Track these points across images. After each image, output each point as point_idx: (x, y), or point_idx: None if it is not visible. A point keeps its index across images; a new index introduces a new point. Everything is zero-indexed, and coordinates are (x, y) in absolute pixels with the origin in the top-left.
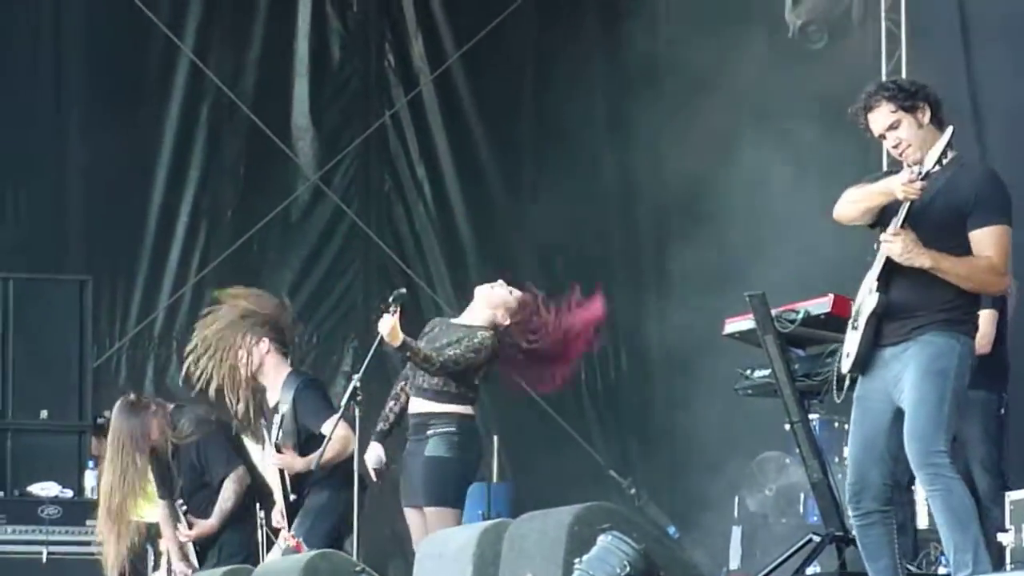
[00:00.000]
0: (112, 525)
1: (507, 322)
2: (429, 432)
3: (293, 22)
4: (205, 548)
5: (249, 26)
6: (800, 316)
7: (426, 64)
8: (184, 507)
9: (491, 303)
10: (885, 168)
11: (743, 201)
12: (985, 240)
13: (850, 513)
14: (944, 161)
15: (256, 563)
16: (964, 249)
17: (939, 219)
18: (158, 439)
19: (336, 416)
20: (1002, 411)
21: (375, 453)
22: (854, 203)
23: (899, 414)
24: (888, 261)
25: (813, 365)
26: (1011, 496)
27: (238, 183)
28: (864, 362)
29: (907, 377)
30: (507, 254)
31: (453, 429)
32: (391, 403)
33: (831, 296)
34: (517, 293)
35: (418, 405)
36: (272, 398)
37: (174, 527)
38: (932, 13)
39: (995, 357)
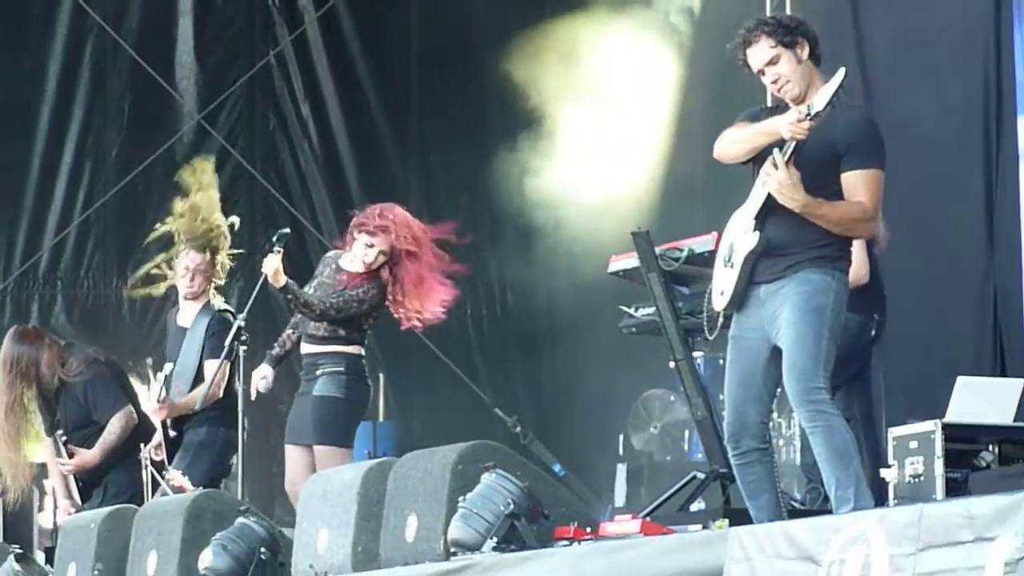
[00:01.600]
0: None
1: (387, 247)
2: (318, 372)
3: None
4: (90, 487)
5: None
6: (684, 254)
7: (310, 3)
8: (64, 438)
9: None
10: (769, 104)
11: (631, 136)
12: (858, 183)
13: (729, 452)
14: (835, 104)
15: (141, 502)
16: (835, 188)
17: (812, 157)
18: (46, 373)
19: (221, 357)
20: (873, 334)
21: (262, 373)
22: (737, 143)
23: (775, 352)
24: (767, 200)
25: (697, 303)
26: (894, 432)
27: (122, 123)
28: (740, 300)
29: (784, 316)
30: (393, 194)
31: (342, 369)
32: (289, 331)
33: (715, 234)
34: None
35: (308, 348)
36: (186, 318)
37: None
38: None
39: (866, 285)
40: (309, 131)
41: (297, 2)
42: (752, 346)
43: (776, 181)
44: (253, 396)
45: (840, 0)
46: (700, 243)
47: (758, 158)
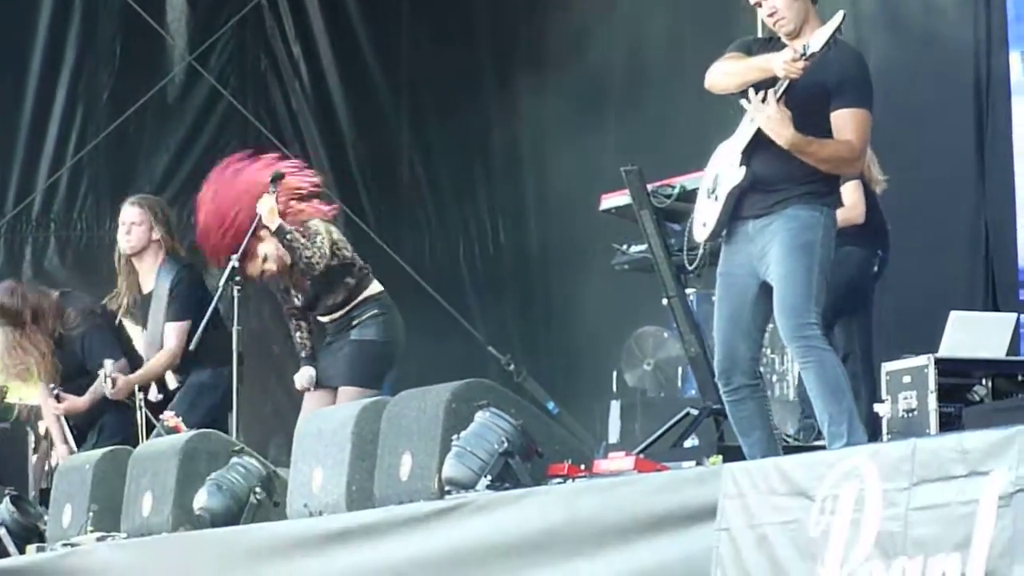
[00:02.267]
0: None
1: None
2: (354, 323)
3: None
4: (84, 430)
5: None
6: (676, 191)
7: None
8: (56, 391)
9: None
10: (761, 35)
11: (620, 77)
12: (847, 122)
13: (721, 389)
14: (832, 45)
15: (136, 444)
16: (825, 127)
17: (803, 95)
18: (43, 324)
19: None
20: (876, 269)
21: (307, 374)
22: (729, 75)
23: (765, 288)
24: (755, 135)
25: (689, 240)
26: (887, 367)
27: (114, 64)
28: (720, 233)
29: (772, 252)
30: (384, 131)
31: (376, 311)
32: (297, 334)
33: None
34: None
35: (335, 315)
36: (147, 282)
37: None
38: None
39: (870, 219)
40: (300, 71)
41: None
42: (740, 282)
43: (765, 116)
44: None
45: None
46: (692, 180)
47: (747, 92)
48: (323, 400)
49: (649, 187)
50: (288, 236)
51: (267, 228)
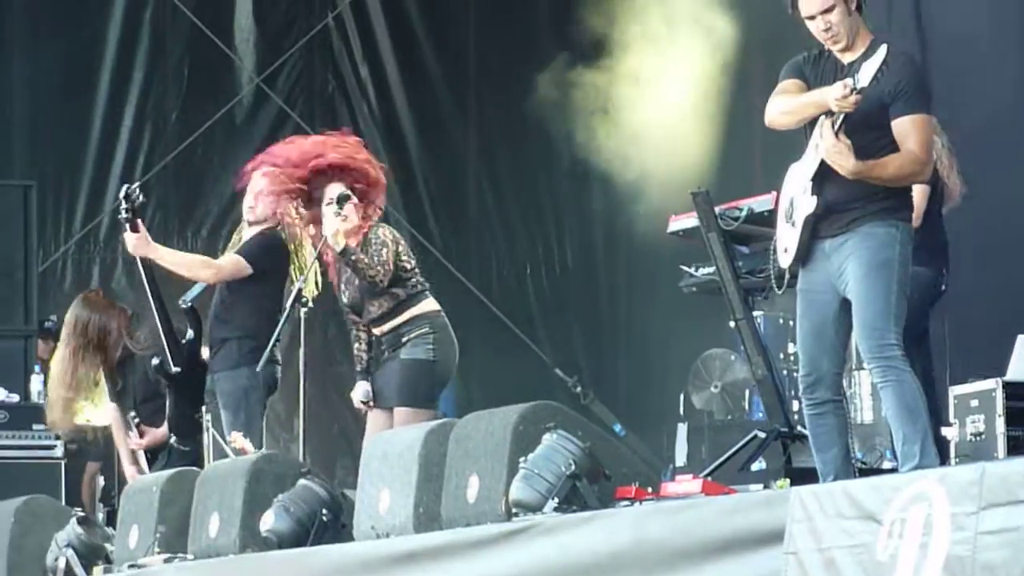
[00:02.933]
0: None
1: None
2: (404, 340)
3: None
4: (155, 451)
5: None
6: (744, 213)
7: None
8: (136, 419)
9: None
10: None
11: (687, 100)
12: (908, 129)
13: (804, 403)
14: (880, 77)
15: (203, 465)
16: (887, 139)
17: (862, 112)
18: (113, 341)
19: None
20: (943, 288)
21: (362, 389)
22: (787, 115)
23: (845, 304)
24: (822, 161)
25: (757, 262)
26: (954, 391)
27: (182, 86)
28: (804, 257)
29: (851, 270)
30: (453, 152)
31: (427, 329)
32: (355, 344)
33: (774, 193)
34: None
35: (381, 328)
36: None
37: (125, 432)
38: None
39: (932, 235)
40: (368, 93)
41: None
42: (821, 299)
43: (826, 150)
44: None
45: None
46: (759, 202)
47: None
48: (382, 420)
49: (716, 209)
50: (353, 257)
51: (332, 249)
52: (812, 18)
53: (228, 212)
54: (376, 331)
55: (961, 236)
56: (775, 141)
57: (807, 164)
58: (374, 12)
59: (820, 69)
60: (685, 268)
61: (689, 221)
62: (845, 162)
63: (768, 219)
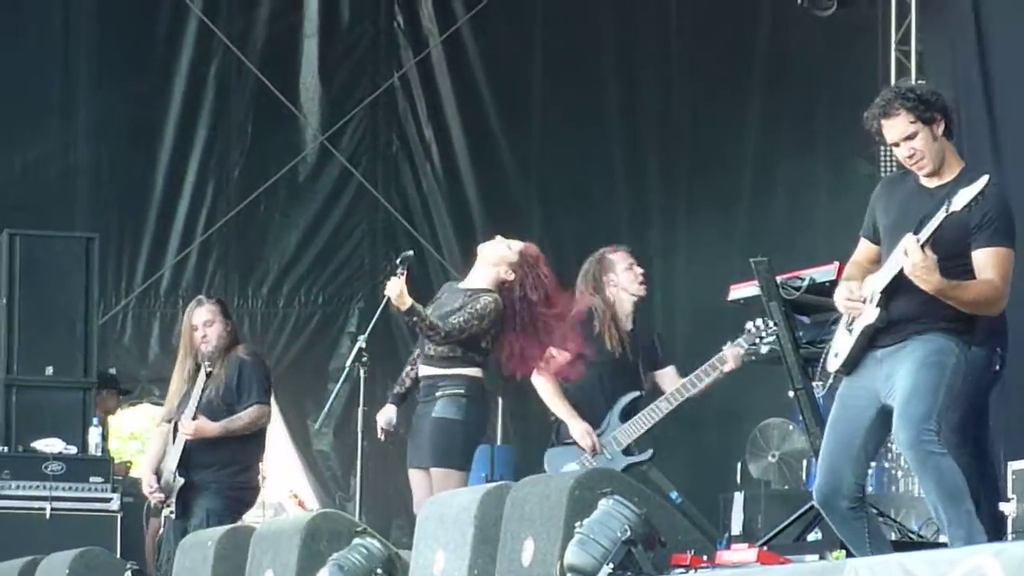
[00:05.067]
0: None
1: (511, 277)
2: (438, 394)
3: None
4: (189, 504)
5: None
6: (805, 283)
7: (435, 25)
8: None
9: (491, 260)
10: (892, 168)
11: (751, 170)
12: (988, 261)
13: (823, 513)
14: (973, 206)
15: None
16: (966, 266)
17: (946, 236)
18: (206, 346)
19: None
20: (997, 368)
21: (387, 415)
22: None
23: (882, 413)
24: (898, 273)
25: (817, 332)
26: (1013, 466)
27: (245, 142)
28: (854, 364)
29: (902, 370)
30: (514, 218)
31: (461, 391)
32: (408, 368)
33: (836, 264)
34: (517, 244)
35: (427, 370)
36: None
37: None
38: None
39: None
40: (432, 154)
41: (422, 25)
42: (859, 404)
43: (911, 264)
44: (380, 436)
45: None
46: (821, 273)
47: (880, 238)
48: (422, 480)
49: (778, 279)
50: (415, 318)
51: (397, 309)
52: (896, 144)
53: (289, 270)
54: (421, 369)
55: (1018, 308)
56: (838, 208)
57: (884, 273)
58: (440, 73)
59: (904, 189)
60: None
61: (750, 289)
62: (931, 277)
63: (830, 289)
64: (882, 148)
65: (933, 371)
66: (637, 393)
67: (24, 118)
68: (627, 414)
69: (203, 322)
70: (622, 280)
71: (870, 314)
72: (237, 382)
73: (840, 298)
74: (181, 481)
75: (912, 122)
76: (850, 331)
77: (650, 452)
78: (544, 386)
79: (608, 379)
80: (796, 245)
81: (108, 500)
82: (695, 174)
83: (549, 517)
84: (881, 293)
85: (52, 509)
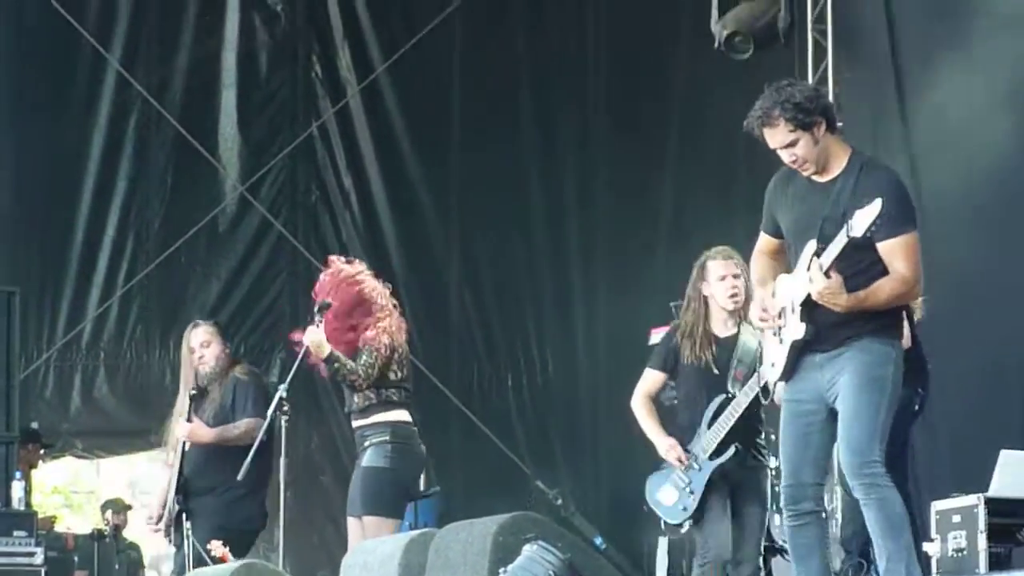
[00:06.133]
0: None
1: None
2: (366, 444)
3: (220, 33)
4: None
5: (176, 36)
6: None
7: (353, 75)
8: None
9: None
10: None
11: (670, 212)
12: (894, 251)
13: (784, 514)
14: (873, 229)
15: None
16: (877, 256)
17: (851, 241)
18: (202, 366)
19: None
20: (916, 408)
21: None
22: (763, 286)
23: (832, 415)
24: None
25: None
26: (937, 506)
27: (165, 193)
28: (791, 372)
29: (843, 383)
30: (434, 264)
31: (387, 438)
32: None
33: None
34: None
35: (355, 423)
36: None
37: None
38: (858, 23)
39: (911, 355)
40: (351, 202)
41: (340, 74)
42: (807, 408)
43: (817, 292)
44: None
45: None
46: None
47: (783, 234)
48: (356, 528)
49: None
50: (336, 364)
51: (317, 356)
52: (778, 149)
53: (211, 319)
54: (353, 423)
55: (946, 350)
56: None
57: (797, 285)
58: (358, 121)
59: (797, 185)
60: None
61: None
62: (838, 299)
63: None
64: None
65: (873, 389)
66: (723, 397)
67: None
68: (714, 420)
69: (200, 343)
70: (714, 290)
71: (797, 329)
72: (232, 401)
73: (754, 316)
74: (177, 508)
75: (791, 131)
76: (780, 341)
77: (733, 449)
78: (636, 409)
79: (694, 390)
80: None
81: (32, 555)
82: (614, 216)
83: (473, 563)
84: (801, 307)
85: None
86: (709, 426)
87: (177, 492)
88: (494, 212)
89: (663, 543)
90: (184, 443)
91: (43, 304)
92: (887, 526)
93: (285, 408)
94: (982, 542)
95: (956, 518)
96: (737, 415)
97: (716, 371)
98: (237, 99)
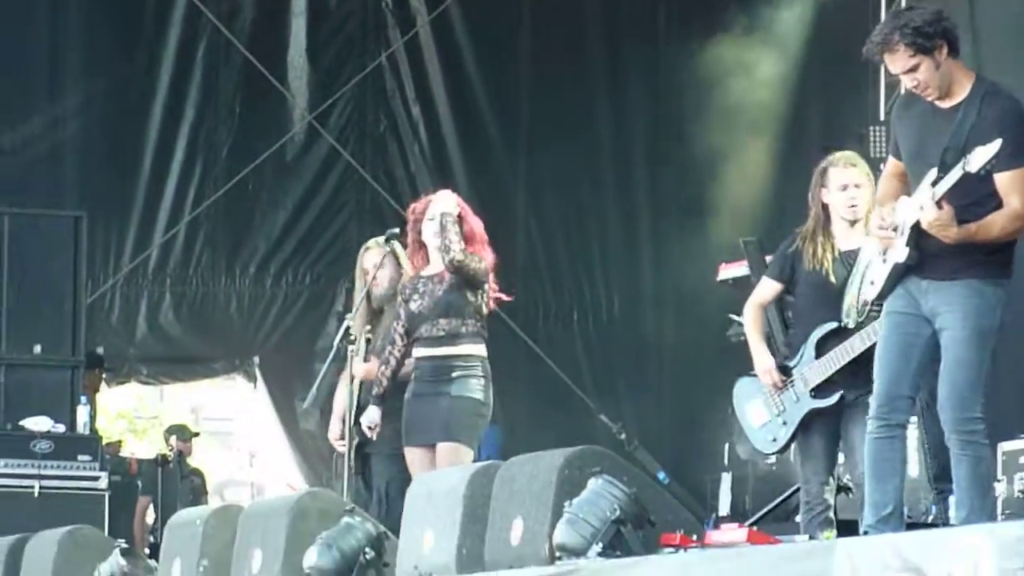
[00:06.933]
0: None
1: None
2: (455, 374)
3: None
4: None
5: None
6: None
7: (423, 5)
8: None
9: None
10: (894, 101)
11: (738, 151)
12: (1010, 185)
13: (873, 424)
14: (990, 166)
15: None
16: (992, 188)
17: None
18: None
19: None
20: None
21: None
22: (881, 206)
23: (935, 337)
24: None
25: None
26: (1003, 447)
27: (233, 122)
28: (887, 295)
29: (952, 322)
30: (502, 196)
31: (479, 371)
32: (382, 367)
33: None
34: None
35: (437, 351)
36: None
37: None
38: None
39: None
40: (419, 134)
41: (410, 5)
42: (912, 322)
43: (927, 223)
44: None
45: None
46: None
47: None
48: (427, 459)
49: (767, 259)
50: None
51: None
52: (899, 75)
53: (276, 249)
54: (426, 353)
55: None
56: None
57: (913, 208)
58: (427, 52)
59: (918, 110)
60: (734, 317)
61: (740, 269)
62: (947, 232)
63: None
64: (871, 128)
65: (980, 342)
66: (834, 325)
67: (12, 97)
68: (823, 347)
69: (373, 264)
70: (833, 199)
71: (900, 251)
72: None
73: (873, 227)
74: (357, 439)
75: (912, 56)
76: (884, 261)
77: (838, 395)
78: (745, 318)
79: (809, 304)
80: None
81: (96, 479)
82: (681, 152)
83: (538, 496)
84: (911, 229)
85: (40, 488)
86: (817, 353)
87: (355, 424)
88: (562, 147)
89: (726, 479)
90: (361, 383)
91: (110, 230)
92: (976, 482)
93: (352, 338)
94: None
95: (1022, 459)
96: (849, 358)
97: (834, 282)
98: (307, 28)
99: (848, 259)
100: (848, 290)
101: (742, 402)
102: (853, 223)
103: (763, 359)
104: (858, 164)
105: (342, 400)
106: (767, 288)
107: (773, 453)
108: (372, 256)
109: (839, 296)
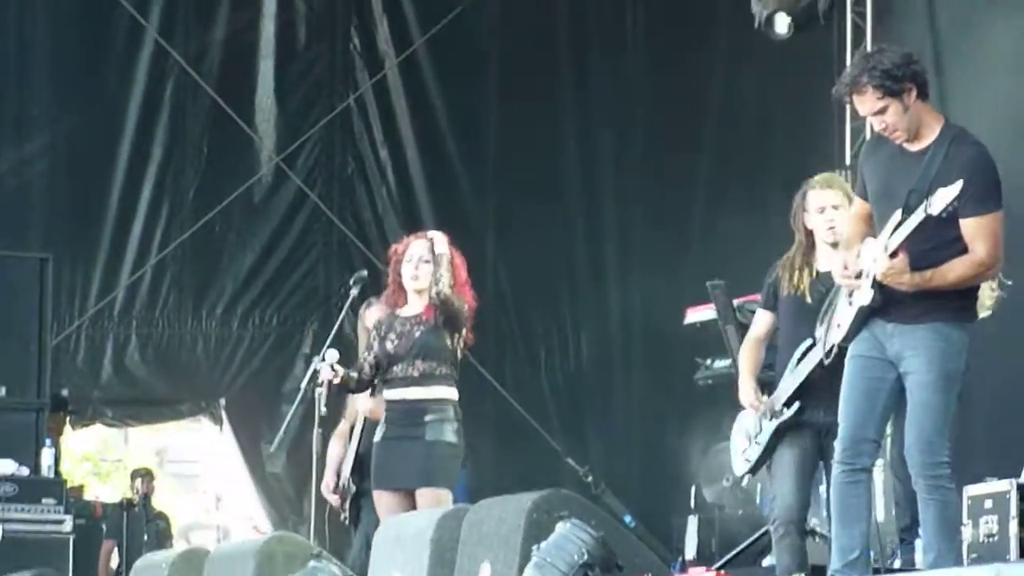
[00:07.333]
0: None
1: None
2: (428, 417)
3: (259, 3)
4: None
5: (215, 6)
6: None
7: (391, 48)
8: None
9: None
10: (868, 137)
11: (706, 191)
12: (975, 231)
13: (839, 470)
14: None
15: None
16: (958, 231)
17: (927, 223)
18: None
19: None
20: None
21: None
22: (847, 249)
23: (900, 382)
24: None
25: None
26: (969, 490)
27: (201, 163)
28: (852, 339)
29: (916, 366)
30: (470, 240)
31: (451, 415)
32: (365, 354)
33: None
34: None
35: (406, 392)
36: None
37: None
38: (897, 6)
39: None
40: (387, 175)
41: (378, 47)
42: (877, 366)
43: (880, 274)
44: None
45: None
46: None
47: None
48: (399, 503)
49: (735, 302)
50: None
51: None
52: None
53: (243, 291)
54: (398, 396)
55: (984, 331)
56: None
57: (876, 252)
58: (395, 94)
59: (887, 151)
60: (700, 360)
61: (706, 313)
62: (901, 279)
63: None
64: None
65: (947, 385)
66: (811, 341)
67: None
68: (800, 364)
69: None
70: (813, 222)
71: (866, 294)
72: None
73: (836, 273)
74: (354, 488)
75: (880, 98)
76: (850, 304)
77: (796, 407)
78: (740, 352)
79: (789, 327)
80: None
81: (61, 522)
82: (651, 195)
83: (506, 540)
84: (874, 274)
85: (4, 531)
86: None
87: (353, 472)
88: (530, 188)
89: (692, 522)
90: (364, 419)
91: (76, 271)
92: (943, 527)
93: (319, 381)
94: (1014, 528)
95: (988, 503)
96: (810, 367)
97: (810, 302)
98: (275, 69)
99: (826, 280)
100: (821, 319)
101: (734, 434)
102: (834, 245)
103: (744, 383)
104: (835, 185)
105: (336, 453)
106: (760, 320)
107: (744, 474)
108: (375, 313)
109: (816, 314)
